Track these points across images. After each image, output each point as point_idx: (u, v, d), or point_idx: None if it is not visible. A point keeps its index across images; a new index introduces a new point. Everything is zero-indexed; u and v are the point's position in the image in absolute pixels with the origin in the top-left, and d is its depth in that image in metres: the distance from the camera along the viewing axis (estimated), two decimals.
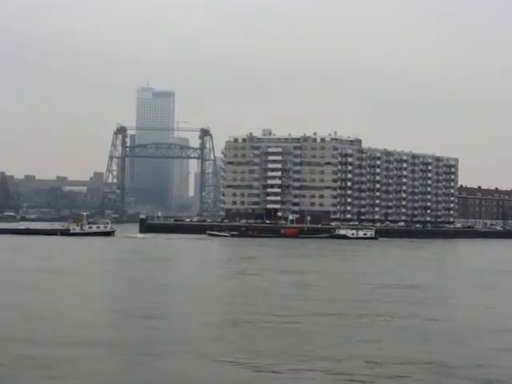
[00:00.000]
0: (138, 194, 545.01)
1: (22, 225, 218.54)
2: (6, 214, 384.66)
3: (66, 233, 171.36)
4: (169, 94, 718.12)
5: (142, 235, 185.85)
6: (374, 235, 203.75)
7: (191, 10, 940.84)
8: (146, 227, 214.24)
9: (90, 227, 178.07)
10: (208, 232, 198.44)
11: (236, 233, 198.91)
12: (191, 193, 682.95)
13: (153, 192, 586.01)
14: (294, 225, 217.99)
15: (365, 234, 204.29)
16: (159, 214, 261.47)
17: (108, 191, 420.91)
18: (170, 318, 44.82)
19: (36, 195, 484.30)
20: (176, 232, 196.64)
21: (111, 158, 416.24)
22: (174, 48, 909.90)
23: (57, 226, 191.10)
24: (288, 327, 40.69)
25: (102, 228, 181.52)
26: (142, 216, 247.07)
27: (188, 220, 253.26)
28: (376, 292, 60.91)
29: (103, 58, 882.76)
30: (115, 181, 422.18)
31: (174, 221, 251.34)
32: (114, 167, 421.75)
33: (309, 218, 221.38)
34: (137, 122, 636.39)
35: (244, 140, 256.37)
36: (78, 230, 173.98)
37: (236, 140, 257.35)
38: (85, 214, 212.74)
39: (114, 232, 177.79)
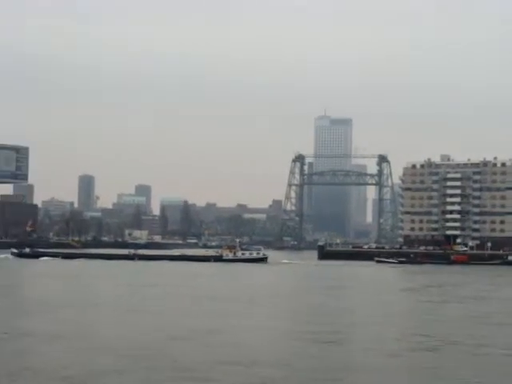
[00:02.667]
0: (316, 221, 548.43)
1: (177, 251, 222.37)
2: (188, 241, 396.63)
3: (218, 259, 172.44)
4: (346, 122, 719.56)
5: (295, 261, 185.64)
6: None
7: (369, 40, 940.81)
8: (324, 254, 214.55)
9: (242, 253, 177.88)
10: (376, 259, 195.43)
11: (404, 259, 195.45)
12: (369, 219, 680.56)
13: (330, 219, 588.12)
14: (474, 251, 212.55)
15: None
16: (337, 240, 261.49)
17: (287, 218, 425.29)
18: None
19: (217, 222, 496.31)
20: (353, 259, 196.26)
21: (290, 185, 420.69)
22: (351, 75, 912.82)
23: (211, 252, 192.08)
24: None
25: (254, 254, 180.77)
26: (320, 243, 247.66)
27: (366, 247, 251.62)
28: None
29: (283, 88, 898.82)
30: (294, 208, 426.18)
31: (352, 247, 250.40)
32: (293, 194, 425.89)
33: (489, 244, 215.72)
34: (315, 149, 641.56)
35: (422, 166, 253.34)
36: (230, 256, 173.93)
37: (414, 166, 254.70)
38: (238, 240, 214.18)
39: (266, 258, 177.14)
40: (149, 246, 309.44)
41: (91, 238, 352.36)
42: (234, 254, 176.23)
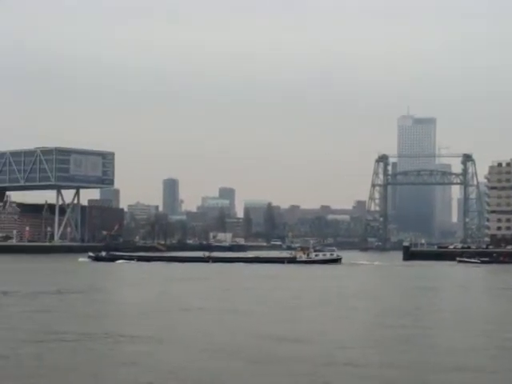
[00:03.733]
0: (401, 222, 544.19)
1: (251, 253, 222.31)
2: (272, 243, 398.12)
3: (292, 261, 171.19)
4: (430, 121, 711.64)
5: (376, 262, 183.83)
6: None
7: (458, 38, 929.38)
8: (409, 255, 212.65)
9: (316, 255, 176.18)
10: (457, 259, 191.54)
11: (486, 259, 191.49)
12: (454, 219, 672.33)
13: (415, 219, 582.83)
14: None
15: None
16: (422, 241, 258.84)
17: (371, 219, 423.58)
18: None
19: (301, 224, 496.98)
20: (438, 259, 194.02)
21: (373, 186, 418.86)
22: (433, 73, 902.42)
23: (285, 254, 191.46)
24: None
25: (328, 256, 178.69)
26: (406, 243, 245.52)
27: (452, 247, 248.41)
28: None
29: (364, 88, 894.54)
30: (377, 209, 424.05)
31: (438, 248, 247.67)
32: (377, 195, 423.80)
33: None
34: (398, 149, 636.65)
35: (508, 164, 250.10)
36: (304, 257, 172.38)
37: (500, 164, 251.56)
38: (312, 241, 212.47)
39: (340, 259, 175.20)
40: (233, 248, 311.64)
41: (176, 241, 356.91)
42: (308, 255, 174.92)
